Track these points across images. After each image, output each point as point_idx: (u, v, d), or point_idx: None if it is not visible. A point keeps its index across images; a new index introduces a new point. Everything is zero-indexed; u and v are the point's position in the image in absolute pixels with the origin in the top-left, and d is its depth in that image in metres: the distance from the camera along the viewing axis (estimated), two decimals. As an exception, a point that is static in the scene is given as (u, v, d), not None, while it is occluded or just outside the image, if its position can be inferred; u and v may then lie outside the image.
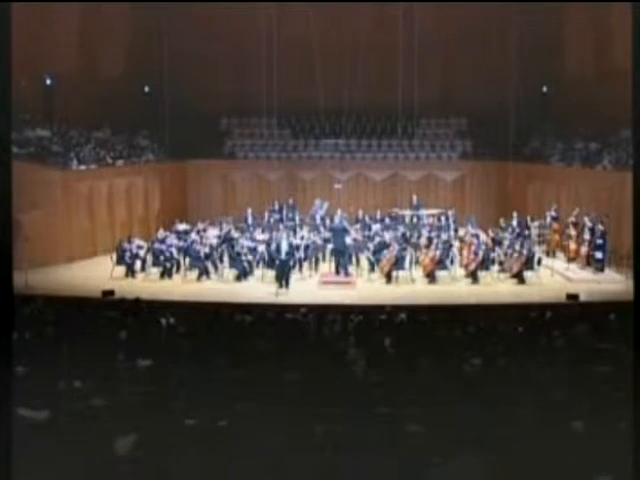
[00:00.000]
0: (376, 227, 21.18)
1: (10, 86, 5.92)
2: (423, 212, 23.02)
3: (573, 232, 19.68)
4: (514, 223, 21.60)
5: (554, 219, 21.07)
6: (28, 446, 4.39)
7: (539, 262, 18.24)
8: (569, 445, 4.63)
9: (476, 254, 18.24)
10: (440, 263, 18.09)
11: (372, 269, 18.69)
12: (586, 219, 19.18)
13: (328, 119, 27.49)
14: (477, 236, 19.93)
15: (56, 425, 4.83)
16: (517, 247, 18.67)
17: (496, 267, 18.44)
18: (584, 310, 12.98)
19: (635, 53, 6.61)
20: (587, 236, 18.92)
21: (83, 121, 24.10)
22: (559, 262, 19.69)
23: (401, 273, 18.05)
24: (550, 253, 20.49)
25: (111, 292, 15.80)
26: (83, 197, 21.67)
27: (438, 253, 18.17)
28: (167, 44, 26.50)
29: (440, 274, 18.07)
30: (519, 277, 17.88)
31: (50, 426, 4.85)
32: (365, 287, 17.70)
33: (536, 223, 20.97)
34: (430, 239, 19.59)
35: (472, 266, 18.12)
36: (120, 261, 18.82)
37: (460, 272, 18.53)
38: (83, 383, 6.03)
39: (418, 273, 18.30)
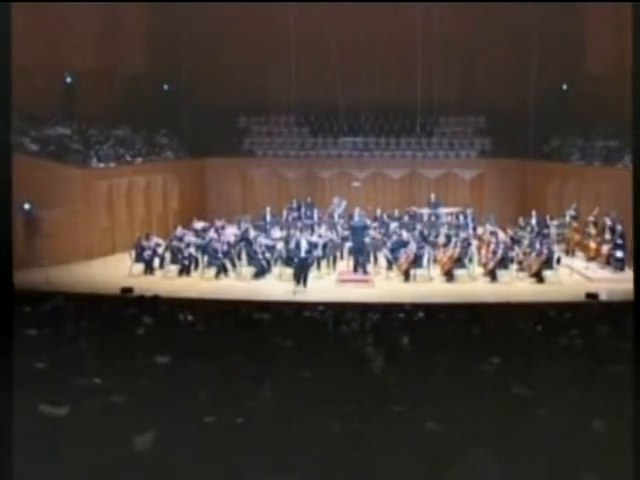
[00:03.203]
0: (394, 225, 21.14)
1: (10, 86, 6.03)
2: (441, 210, 22.96)
3: (593, 231, 19.56)
4: (533, 222, 21.49)
5: (574, 218, 20.93)
6: (48, 442, 4.43)
7: (558, 261, 18.14)
8: (589, 445, 4.60)
9: (495, 253, 18.17)
10: (458, 261, 18.03)
11: (390, 267, 18.67)
12: (606, 218, 19.05)
13: (347, 117, 27.45)
14: (496, 234, 19.86)
15: (76, 421, 4.86)
16: (536, 246, 18.56)
17: (515, 266, 18.35)
18: (604, 309, 12.88)
19: (635, 53, 6.57)
20: (608, 235, 18.80)
21: (103, 119, 24.27)
22: (578, 261, 19.56)
23: (419, 271, 18.01)
24: (569, 252, 20.36)
25: (130, 289, 15.90)
26: (102, 195, 21.81)
27: (456, 251, 18.11)
28: (187, 42, 26.56)
29: (458, 273, 18.01)
30: (538, 276, 17.79)
31: (70, 422, 4.88)
32: (383, 285, 17.68)
33: (555, 222, 20.85)
34: (448, 237, 19.54)
35: (491, 265, 18.05)
36: (139, 259, 18.93)
37: (478, 271, 18.47)
38: (102, 380, 6.06)
39: (436, 271, 18.27)
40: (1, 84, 6.01)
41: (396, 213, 22.61)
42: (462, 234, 20.04)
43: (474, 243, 19.36)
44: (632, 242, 6.17)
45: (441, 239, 19.70)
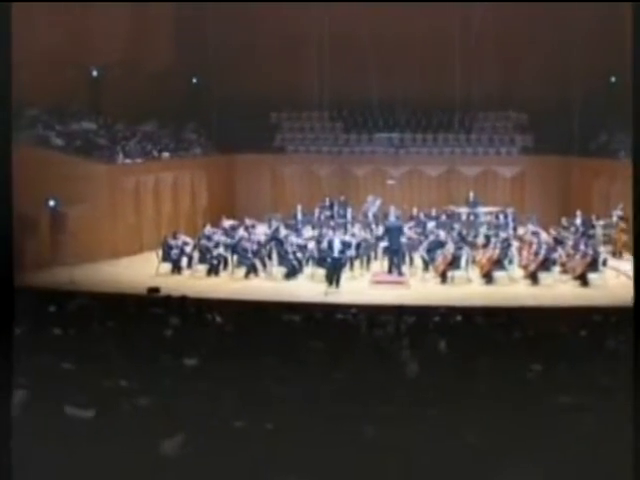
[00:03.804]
0: (431, 225, 21.06)
1: (10, 86, 6.27)
2: (480, 210, 22.83)
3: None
4: (578, 222, 21.28)
5: (621, 218, 20.67)
6: (73, 444, 4.50)
7: (604, 263, 17.94)
8: (632, 454, 4.55)
9: (536, 254, 18.03)
10: (498, 263, 17.92)
11: (426, 268, 18.62)
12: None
13: (382, 112, 27.39)
14: (538, 235, 19.70)
15: (102, 423, 4.92)
16: (581, 247, 18.38)
17: (558, 268, 18.18)
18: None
19: (635, 53, 6.60)
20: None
21: (129, 114, 24.48)
22: (625, 263, 19.32)
23: (457, 273, 17.93)
24: (616, 254, 20.12)
25: (156, 289, 16.02)
26: (129, 192, 22.00)
27: (496, 253, 18.01)
28: (216, 35, 26.71)
29: (498, 275, 17.90)
30: (583, 279, 17.61)
31: (96, 424, 4.94)
32: (419, 287, 17.64)
33: (601, 222, 20.63)
34: (488, 238, 19.44)
35: (532, 267, 17.91)
36: (166, 258, 19.08)
37: (519, 273, 18.34)
38: (128, 382, 6.13)
39: (475, 273, 18.19)
40: (1, 84, 6.15)
41: (433, 212, 22.51)
42: (502, 234, 19.91)
43: (515, 244, 19.22)
44: (633, 244, 6.14)
45: (480, 239, 19.60)
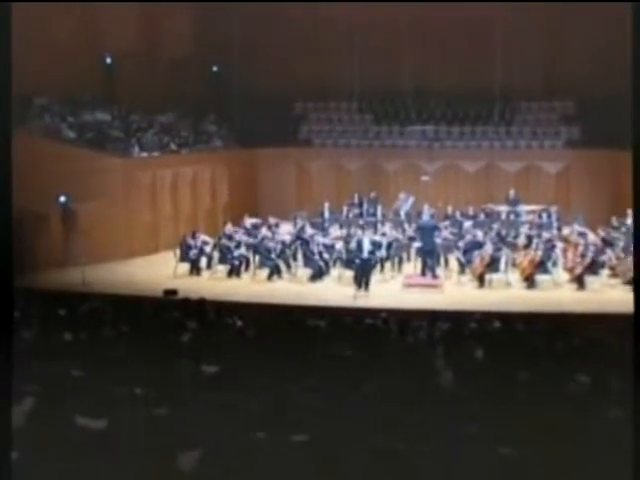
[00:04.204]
0: (468, 224, 21.04)
1: (10, 86, 6.49)
2: (522, 208, 22.75)
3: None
4: (629, 222, 21.07)
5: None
6: (84, 457, 4.52)
7: (658, 267, 17.75)
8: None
9: (583, 256, 17.91)
10: (541, 266, 17.83)
11: (462, 271, 18.58)
12: None
13: (415, 102, 27.35)
14: (584, 236, 19.58)
15: (115, 435, 4.95)
16: (632, 249, 18.21)
17: (606, 271, 18.04)
18: None
19: (635, 53, 6.62)
20: None
21: (146, 104, 24.64)
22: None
23: (495, 276, 17.88)
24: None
25: (174, 291, 16.12)
26: (145, 187, 22.16)
27: (539, 254, 17.92)
28: (237, 20, 26.81)
29: (540, 278, 17.81)
30: (634, 283, 17.44)
31: (108, 436, 4.97)
32: (454, 291, 17.63)
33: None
34: (530, 238, 19.37)
35: (578, 270, 17.79)
36: (184, 258, 19.19)
37: (564, 276, 18.24)
38: (144, 390, 6.16)
39: (515, 276, 18.12)
40: (1, 84, 6.41)
41: (470, 211, 22.47)
42: (545, 235, 19.80)
43: (559, 245, 19.11)
44: (633, 246, 6.17)
45: (521, 240, 19.53)
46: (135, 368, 7.07)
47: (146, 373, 6.79)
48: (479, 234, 19.40)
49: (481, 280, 17.85)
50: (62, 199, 19.05)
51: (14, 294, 7.46)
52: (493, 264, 17.88)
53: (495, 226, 20.91)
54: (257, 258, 18.99)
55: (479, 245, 18.61)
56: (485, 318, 11.94)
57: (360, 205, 23.66)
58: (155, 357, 7.62)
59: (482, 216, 22.26)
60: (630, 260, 17.87)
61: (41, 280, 17.40)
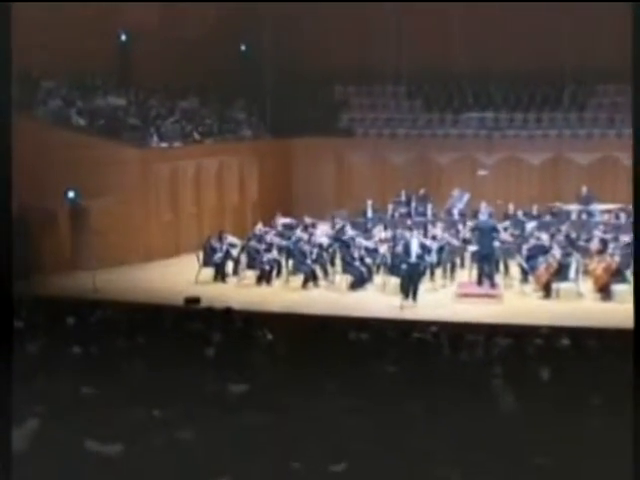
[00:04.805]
0: (532, 225, 20.91)
1: (10, 86, 7.17)
2: (595, 207, 22.56)
3: None
4: None
5: None
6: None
7: None
8: None
9: (666, 263, 17.71)
10: (617, 274, 17.66)
11: (525, 279, 18.47)
12: None
13: (471, 87, 27.24)
14: (668, 239, 19.33)
15: (130, 462, 4.98)
16: None
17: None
18: None
19: (635, 53, 6.62)
20: None
21: (166, 88, 24.80)
22: None
23: (563, 285, 17.76)
24: None
25: (196, 299, 16.23)
26: (164, 181, 22.30)
27: (615, 261, 17.76)
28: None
29: (617, 288, 17.63)
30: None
31: (123, 463, 5.01)
32: (515, 302, 17.54)
33: None
34: (604, 242, 19.17)
35: (660, 279, 17.60)
36: (208, 262, 19.29)
37: (644, 286, 18.04)
38: (162, 411, 6.21)
39: (587, 286, 17.96)
40: (1, 84, 6.96)
41: (534, 210, 22.32)
42: (623, 238, 19.58)
43: (638, 250, 18.92)
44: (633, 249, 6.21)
45: (594, 244, 19.34)
46: (153, 386, 7.13)
47: (165, 392, 6.85)
48: (545, 237, 19.28)
49: (547, 290, 17.73)
50: (71, 195, 19.18)
51: (15, 302, 7.55)
52: (561, 271, 17.76)
53: (564, 228, 20.72)
54: (290, 263, 19.03)
55: (545, 249, 18.50)
56: (552, 334, 11.87)
57: (407, 203, 23.62)
58: (175, 374, 7.67)
59: (548, 216, 22.09)
60: None
61: (47, 286, 17.60)
